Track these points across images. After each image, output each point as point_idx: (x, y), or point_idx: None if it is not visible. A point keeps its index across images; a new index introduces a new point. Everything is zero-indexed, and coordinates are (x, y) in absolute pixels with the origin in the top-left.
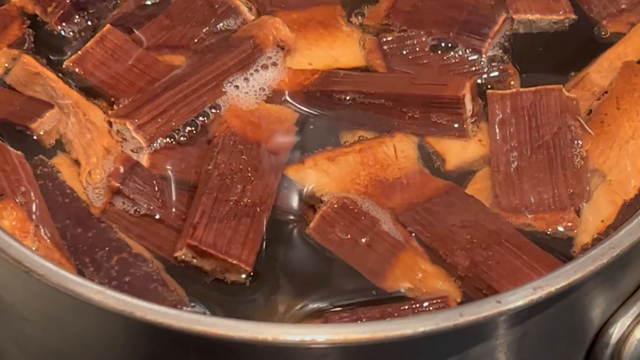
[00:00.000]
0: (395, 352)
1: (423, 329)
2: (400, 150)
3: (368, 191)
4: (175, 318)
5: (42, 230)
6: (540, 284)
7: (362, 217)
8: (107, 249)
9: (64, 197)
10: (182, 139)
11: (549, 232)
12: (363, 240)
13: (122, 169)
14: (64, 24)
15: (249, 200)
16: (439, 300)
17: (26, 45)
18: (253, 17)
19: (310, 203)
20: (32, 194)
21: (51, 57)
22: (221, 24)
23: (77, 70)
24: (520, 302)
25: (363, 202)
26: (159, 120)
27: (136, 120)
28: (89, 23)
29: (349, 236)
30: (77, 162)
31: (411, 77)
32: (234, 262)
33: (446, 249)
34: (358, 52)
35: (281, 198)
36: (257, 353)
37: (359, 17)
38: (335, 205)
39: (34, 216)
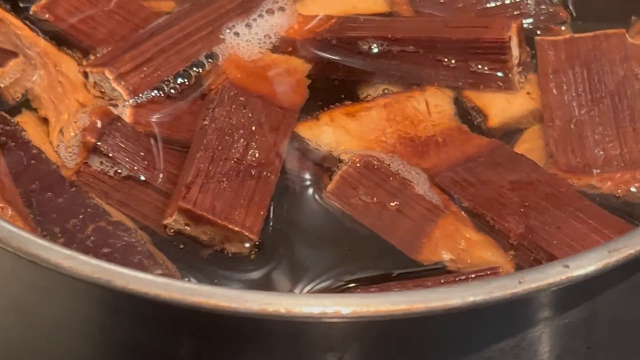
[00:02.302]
0: (433, 330)
1: (473, 298)
2: (433, 105)
3: (397, 150)
4: (164, 287)
5: None
6: (616, 246)
7: (391, 178)
8: (80, 216)
9: (29, 158)
10: (171, 92)
11: (617, 195)
12: (392, 204)
13: (99, 123)
14: None
15: (254, 160)
16: (489, 272)
17: None
18: None
19: (326, 165)
20: None
21: (17, 3)
22: None
23: (46, 16)
24: (592, 267)
25: (392, 161)
26: (144, 69)
27: (116, 69)
28: None
29: (375, 200)
30: (45, 121)
31: (445, 20)
32: (236, 229)
33: (495, 214)
34: None
35: (291, 159)
36: (266, 331)
37: None
38: (358, 164)
39: None
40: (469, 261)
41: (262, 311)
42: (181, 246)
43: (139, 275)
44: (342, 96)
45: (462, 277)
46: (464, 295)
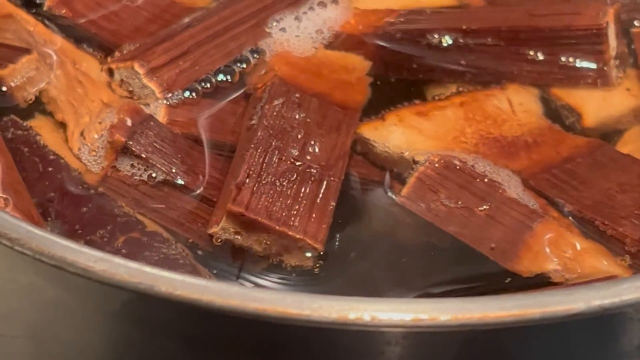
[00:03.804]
0: (541, 342)
1: (600, 302)
2: (517, 104)
3: (480, 150)
4: (220, 292)
5: (11, 206)
6: None
7: (477, 180)
8: (109, 227)
9: (46, 164)
10: (211, 90)
11: None
12: (481, 209)
13: (129, 121)
14: None
15: (314, 162)
16: None
17: None
18: None
19: (396, 169)
20: None
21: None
22: None
23: (63, 12)
24: None
25: (476, 162)
26: (180, 63)
27: (147, 62)
28: None
29: (459, 204)
30: (62, 126)
31: (529, 7)
32: (298, 236)
33: (606, 218)
34: None
35: (354, 163)
36: (343, 347)
37: None
38: (437, 165)
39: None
40: (579, 270)
41: (341, 319)
42: (229, 259)
43: (188, 279)
44: (408, 95)
45: None
46: (589, 297)
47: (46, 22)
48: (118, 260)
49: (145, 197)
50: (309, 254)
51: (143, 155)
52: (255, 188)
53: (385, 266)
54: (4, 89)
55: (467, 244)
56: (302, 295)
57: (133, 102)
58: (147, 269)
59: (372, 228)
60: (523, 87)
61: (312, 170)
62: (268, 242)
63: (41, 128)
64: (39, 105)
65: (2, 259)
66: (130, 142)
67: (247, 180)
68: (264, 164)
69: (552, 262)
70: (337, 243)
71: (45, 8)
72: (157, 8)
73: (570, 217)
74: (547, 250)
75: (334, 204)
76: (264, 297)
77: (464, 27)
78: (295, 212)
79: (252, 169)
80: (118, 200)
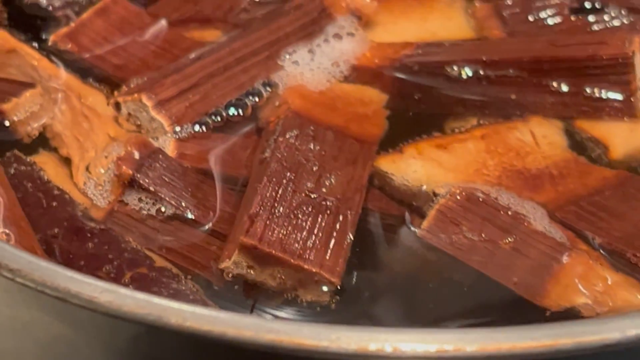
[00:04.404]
0: None
1: (637, 332)
2: (540, 136)
3: (503, 183)
4: (232, 323)
5: (13, 243)
6: None
7: (501, 212)
8: (115, 262)
9: (50, 200)
10: (222, 124)
11: None
12: (506, 242)
13: (137, 154)
14: None
15: (330, 194)
16: None
17: None
18: None
19: (415, 203)
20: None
21: (32, 36)
22: None
23: (69, 46)
24: None
25: (499, 194)
26: (189, 96)
27: (156, 95)
28: None
29: (483, 236)
30: (67, 162)
31: (552, 38)
32: (314, 270)
33: (638, 250)
34: (464, 23)
35: (372, 197)
36: None
37: None
38: (459, 197)
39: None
40: (610, 304)
41: (361, 351)
42: (241, 296)
43: (198, 310)
44: (426, 128)
45: None
46: (624, 327)
47: (51, 56)
48: (125, 291)
49: (154, 231)
50: (325, 289)
51: (151, 189)
52: (268, 220)
53: (405, 302)
54: (7, 123)
55: (491, 278)
56: (320, 325)
57: (141, 135)
58: (156, 299)
59: (391, 263)
60: (546, 119)
61: (328, 202)
62: (282, 277)
63: (45, 164)
64: (43, 141)
65: (1, 294)
66: (138, 175)
67: (261, 212)
68: (278, 196)
69: (582, 295)
70: (354, 278)
71: (50, 43)
72: (166, 42)
73: (600, 250)
74: (577, 283)
75: (351, 237)
76: (280, 328)
77: (484, 59)
78: (311, 245)
79: (266, 200)
80: (125, 236)
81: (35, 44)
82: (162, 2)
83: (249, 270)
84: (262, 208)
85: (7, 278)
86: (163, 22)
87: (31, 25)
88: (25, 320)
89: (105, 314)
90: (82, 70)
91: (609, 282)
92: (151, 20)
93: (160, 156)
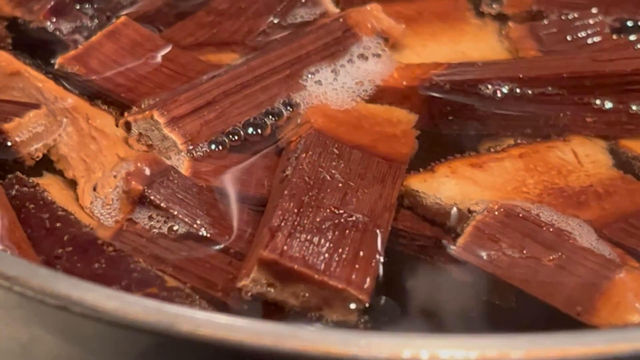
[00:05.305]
0: None
1: None
2: (583, 155)
3: (544, 200)
4: (250, 330)
5: None
6: None
7: (543, 228)
8: (124, 283)
9: (54, 221)
10: (239, 144)
11: None
12: (550, 258)
13: (147, 170)
14: (54, 19)
15: (356, 212)
16: None
17: (2, 44)
18: (338, 11)
19: (448, 223)
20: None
21: (38, 60)
22: (292, 15)
23: (76, 69)
24: None
25: (540, 211)
26: (204, 113)
27: (168, 111)
28: (95, 21)
29: (525, 253)
30: (72, 184)
31: (592, 53)
32: (340, 286)
33: None
34: (497, 44)
35: (402, 217)
36: None
37: (494, 6)
38: (497, 213)
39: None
40: None
41: (394, 358)
42: (262, 316)
43: (212, 316)
44: (459, 148)
45: None
46: None
47: (58, 79)
48: (132, 297)
49: (165, 251)
50: (352, 306)
51: (163, 205)
52: (290, 234)
53: (439, 325)
54: (9, 143)
55: (534, 296)
56: (348, 331)
57: (152, 153)
58: (166, 306)
59: (424, 285)
60: (588, 138)
61: (355, 218)
62: (306, 295)
63: (49, 186)
64: (47, 164)
65: None
66: (149, 191)
67: (282, 225)
68: (301, 210)
69: (635, 313)
70: (383, 299)
71: (56, 66)
72: (180, 66)
73: None
74: (629, 301)
75: (379, 256)
76: (303, 334)
77: (521, 76)
78: (336, 261)
79: (287, 214)
80: (134, 256)
81: (42, 67)
82: (176, 26)
83: (269, 289)
84: (283, 221)
85: (3, 288)
86: (175, 46)
87: (37, 49)
88: (24, 341)
89: (111, 322)
90: (91, 92)
91: None
92: (164, 44)
93: (173, 173)
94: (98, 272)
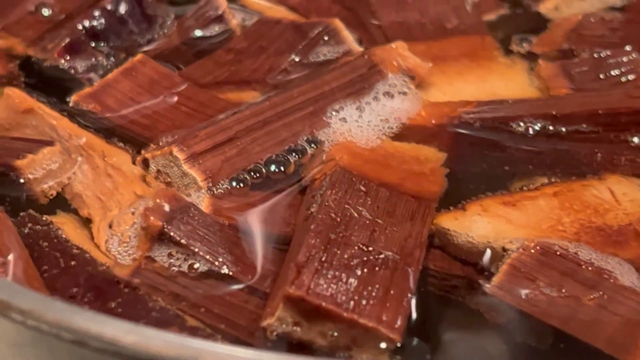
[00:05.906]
0: None
1: None
2: (621, 194)
3: (582, 239)
4: None
5: None
6: None
7: (583, 267)
8: (142, 322)
9: (68, 259)
10: (261, 181)
11: None
12: (590, 297)
13: (167, 207)
14: (69, 57)
15: (386, 249)
16: None
17: (15, 82)
18: (361, 50)
19: (481, 262)
20: (11, 263)
21: (52, 97)
22: (314, 53)
23: (91, 107)
24: None
25: (579, 249)
26: (225, 150)
27: (188, 147)
28: (111, 59)
29: (564, 292)
30: (87, 223)
31: (628, 91)
32: (370, 324)
33: None
34: (526, 83)
35: (432, 256)
36: None
37: (524, 45)
38: (533, 251)
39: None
40: None
41: None
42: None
43: (239, 351)
44: (489, 187)
45: None
46: None
47: (73, 117)
48: (152, 331)
49: (185, 290)
50: (383, 346)
51: (183, 242)
52: (317, 270)
53: None
54: (22, 180)
55: (574, 337)
56: None
57: (172, 189)
58: (187, 340)
59: (457, 325)
60: (624, 177)
61: (385, 256)
62: (334, 334)
63: (63, 224)
64: (61, 202)
65: (7, 350)
66: (169, 227)
67: (308, 262)
68: (327, 246)
69: None
70: (415, 340)
71: (71, 104)
72: (198, 103)
73: None
74: None
75: (411, 295)
76: None
77: (554, 112)
78: (366, 299)
79: (314, 250)
80: (153, 295)
81: (56, 105)
82: (194, 65)
83: (295, 328)
84: (310, 258)
85: (17, 322)
86: (193, 84)
87: (51, 88)
88: None
89: (131, 358)
90: (106, 130)
91: None
92: (180, 81)
93: (193, 210)
94: (115, 312)
